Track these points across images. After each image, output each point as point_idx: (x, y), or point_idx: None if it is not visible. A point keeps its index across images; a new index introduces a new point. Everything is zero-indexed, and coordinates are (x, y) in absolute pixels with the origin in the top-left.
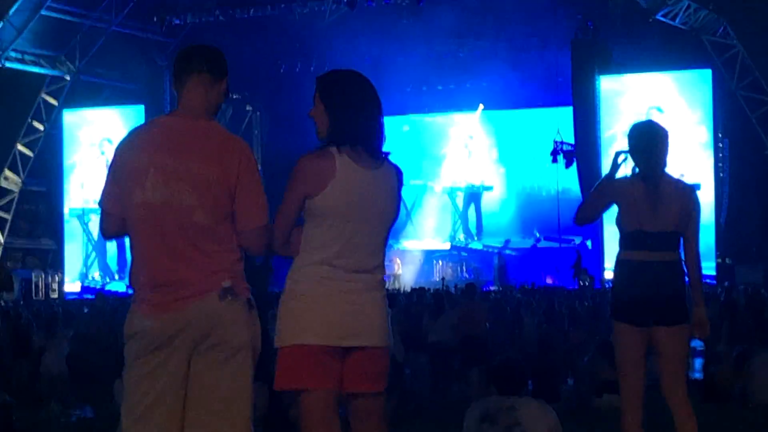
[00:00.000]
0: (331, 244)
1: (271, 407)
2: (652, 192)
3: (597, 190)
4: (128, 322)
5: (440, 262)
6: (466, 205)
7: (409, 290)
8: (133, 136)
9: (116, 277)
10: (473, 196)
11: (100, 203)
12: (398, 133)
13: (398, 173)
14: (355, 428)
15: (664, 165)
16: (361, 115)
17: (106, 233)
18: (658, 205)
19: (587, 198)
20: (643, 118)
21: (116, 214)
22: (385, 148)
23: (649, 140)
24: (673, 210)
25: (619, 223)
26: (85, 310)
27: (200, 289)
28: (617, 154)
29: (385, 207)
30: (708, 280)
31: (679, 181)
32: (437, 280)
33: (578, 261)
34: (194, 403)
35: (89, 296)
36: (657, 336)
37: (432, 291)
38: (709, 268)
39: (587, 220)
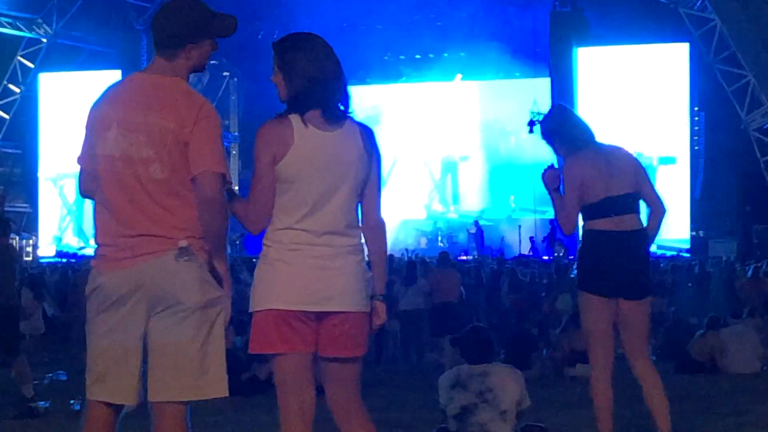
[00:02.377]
0: (298, 208)
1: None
2: (601, 157)
3: (564, 184)
4: (89, 280)
5: (415, 232)
6: (444, 175)
7: None
8: (105, 92)
9: (91, 242)
10: (449, 165)
11: (78, 160)
12: (375, 102)
13: (363, 132)
14: (329, 393)
15: (592, 133)
16: (316, 79)
17: (82, 190)
18: (612, 169)
19: (564, 203)
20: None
21: (90, 170)
22: (361, 117)
23: (570, 116)
24: (626, 171)
25: (583, 198)
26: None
27: (157, 247)
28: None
29: (349, 167)
30: (682, 253)
31: (613, 146)
32: (411, 249)
33: (552, 232)
34: (153, 363)
35: (63, 260)
36: (622, 308)
37: (405, 259)
38: (683, 241)
39: (573, 221)
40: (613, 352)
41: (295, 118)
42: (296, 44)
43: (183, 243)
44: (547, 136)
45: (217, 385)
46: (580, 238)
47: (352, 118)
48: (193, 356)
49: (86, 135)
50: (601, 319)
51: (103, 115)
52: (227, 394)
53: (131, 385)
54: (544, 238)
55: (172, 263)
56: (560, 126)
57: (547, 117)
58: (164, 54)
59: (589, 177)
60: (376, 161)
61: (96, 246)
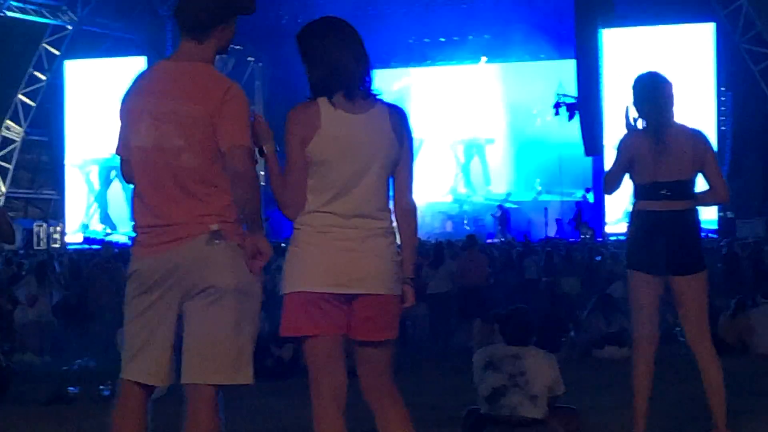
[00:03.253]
0: (326, 191)
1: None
2: (659, 142)
3: (618, 151)
4: (130, 264)
5: (441, 215)
6: (469, 158)
7: None
8: (134, 82)
9: (118, 228)
10: (476, 148)
11: (116, 150)
12: (401, 86)
13: (394, 113)
14: (361, 375)
15: (671, 114)
16: (336, 63)
17: (126, 178)
18: (665, 155)
19: (613, 163)
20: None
21: (128, 160)
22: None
23: (652, 90)
24: (685, 158)
25: (633, 175)
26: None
27: (189, 232)
28: (627, 109)
29: (378, 149)
30: (710, 234)
31: (686, 128)
32: (438, 232)
33: (579, 214)
34: (186, 346)
35: (93, 246)
36: (675, 286)
37: (432, 242)
38: (711, 222)
39: (614, 184)
40: (658, 334)
41: (323, 101)
42: (314, 32)
43: (214, 227)
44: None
45: (245, 371)
46: (628, 219)
47: (382, 100)
48: (224, 340)
49: (120, 126)
50: (647, 297)
51: (133, 106)
52: (252, 382)
53: (162, 366)
54: (570, 220)
55: (204, 247)
56: (636, 94)
57: (633, 83)
58: (195, 37)
59: (639, 157)
60: (408, 143)
61: (133, 232)
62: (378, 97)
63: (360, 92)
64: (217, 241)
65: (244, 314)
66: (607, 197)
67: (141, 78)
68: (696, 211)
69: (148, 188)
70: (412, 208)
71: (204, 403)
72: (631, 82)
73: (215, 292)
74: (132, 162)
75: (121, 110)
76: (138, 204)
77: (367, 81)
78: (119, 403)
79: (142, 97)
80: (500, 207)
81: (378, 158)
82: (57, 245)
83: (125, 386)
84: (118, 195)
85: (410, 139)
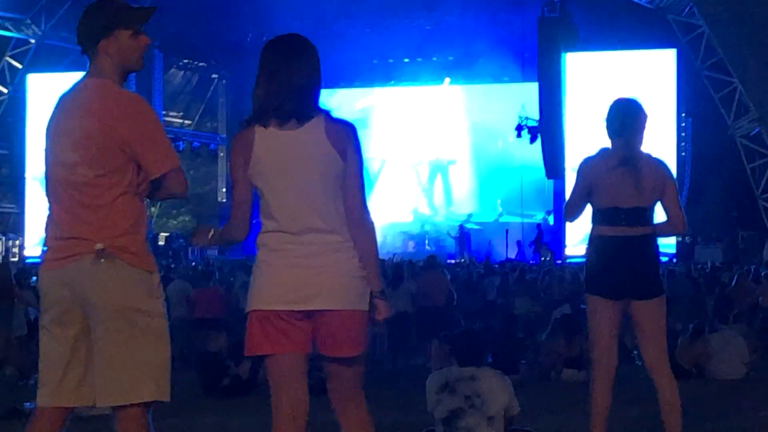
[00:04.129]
0: (274, 210)
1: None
2: (626, 168)
3: (577, 176)
4: None
5: (402, 235)
6: (432, 179)
7: None
8: (55, 105)
9: None
10: (438, 169)
11: None
12: (364, 105)
13: (333, 127)
14: (330, 391)
15: (638, 143)
16: (269, 86)
17: None
18: (627, 181)
19: (572, 190)
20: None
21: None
22: (349, 120)
23: (623, 117)
24: (646, 186)
25: (592, 200)
26: None
27: (80, 249)
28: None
29: (314, 163)
30: (667, 258)
31: (650, 157)
32: (399, 252)
33: (539, 236)
34: (93, 364)
35: None
36: (634, 311)
37: (392, 262)
38: (669, 246)
39: (575, 211)
40: (616, 357)
41: (256, 123)
42: (264, 51)
43: (99, 246)
44: None
45: (148, 388)
46: (588, 243)
47: (327, 115)
48: (116, 358)
49: None
50: (606, 321)
51: (49, 124)
52: (165, 399)
53: (68, 386)
54: (531, 242)
55: (90, 266)
56: (609, 117)
57: (609, 108)
58: (85, 53)
59: (600, 181)
60: (355, 156)
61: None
62: (324, 111)
63: (292, 110)
64: (102, 260)
65: (135, 332)
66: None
67: (59, 100)
68: (655, 237)
69: (53, 204)
70: (366, 222)
71: (129, 422)
72: (593, 106)
73: (102, 312)
74: (45, 179)
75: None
76: (48, 219)
77: (306, 99)
78: (30, 425)
79: (54, 114)
80: (460, 228)
81: (316, 172)
82: (15, 259)
83: (38, 415)
84: None
85: (357, 153)
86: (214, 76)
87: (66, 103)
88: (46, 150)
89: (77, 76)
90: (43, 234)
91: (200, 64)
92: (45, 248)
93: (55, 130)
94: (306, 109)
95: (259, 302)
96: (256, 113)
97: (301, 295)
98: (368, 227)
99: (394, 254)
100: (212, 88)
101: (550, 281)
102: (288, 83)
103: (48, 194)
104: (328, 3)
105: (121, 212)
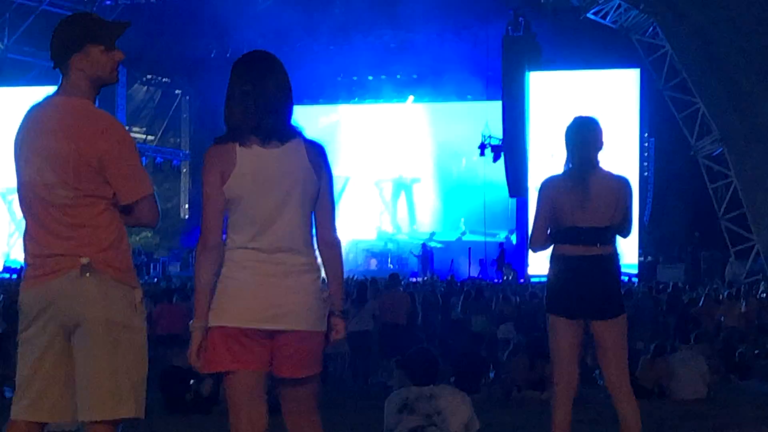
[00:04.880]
0: (247, 227)
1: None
2: (580, 188)
3: (539, 199)
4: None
5: (365, 253)
6: (395, 197)
7: None
8: (24, 117)
9: None
10: (401, 187)
11: None
12: (328, 122)
13: (311, 147)
14: (285, 412)
15: (596, 160)
16: (246, 104)
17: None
18: (588, 201)
19: (536, 216)
20: (571, 115)
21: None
22: (313, 137)
23: (580, 135)
24: (606, 204)
25: (554, 219)
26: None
27: (63, 265)
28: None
29: (295, 184)
30: (629, 278)
31: (611, 174)
32: (362, 270)
33: (501, 255)
34: (76, 384)
35: (14, 276)
36: (595, 330)
37: (356, 279)
38: (631, 266)
39: (542, 236)
40: (577, 376)
41: (235, 139)
42: (236, 67)
43: (84, 260)
44: None
45: (128, 405)
46: (549, 262)
47: (301, 134)
48: (99, 374)
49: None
50: (566, 341)
51: (19, 142)
52: (141, 416)
53: (50, 403)
54: (493, 260)
55: (75, 281)
56: (565, 136)
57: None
58: (60, 71)
59: (560, 201)
60: (327, 177)
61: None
62: (298, 130)
63: (274, 129)
64: (87, 274)
65: (118, 347)
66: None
67: (27, 114)
68: (616, 257)
69: (30, 222)
70: (336, 242)
71: None
72: (556, 125)
73: (88, 327)
74: (19, 196)
75: (13, 146)
76: (25, 237)
77: (285, 117)
78: None
79: (24, 132)
80: (423, 246)
81: (296, 192)
82: None
83: (12, 426)
84: None
85: (329, 173)
86: (177, 91)
87: (39, 119)
88: (18, 167)
89: (41, 90)
90: (2, 246)
91: (164, 79)
92: (24, 265)
93: (29, 147)
94: (285, 127)
95: (224, 318)
96: (234, 131)
97: (269, 314)
98: (338, 247)
99: (356, 271)
100: (175, 103)
101: (503, 299)
102: (264, 101)
103: (24, 211)
104: (292, 19)
105: (103, 227)
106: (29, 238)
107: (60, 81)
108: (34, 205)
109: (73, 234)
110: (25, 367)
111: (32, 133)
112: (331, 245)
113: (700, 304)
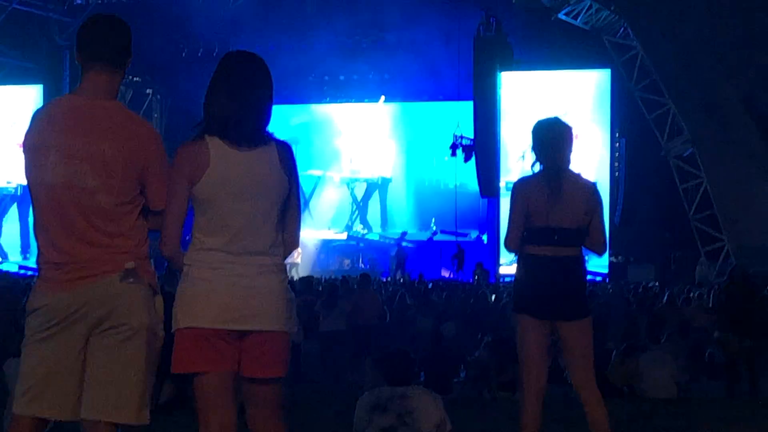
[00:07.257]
0: (217, 229)
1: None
2: (554, 188)
3: (512, 200)
4: (30, 299)
5: (337, 252)
6: (366, 196)
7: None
8: (38, 116)
9: (9, 257)
10: (372, 187)
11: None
12: (299, 121)
13: (281, 150)
14: (250, 413)
15: (568, 161)
16: (230, 100)
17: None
18: (559, 202)
19: (511, 216)
20: (542, 115)
21: (32, 195)
22: (284, 137)
23: (551, 137)
24: (576, 206)
25: (526, 219)
26: None
27: (103, 269)
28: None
29: (268, 187)
30: (600, 278)
31: (580, 177)
32: (334, 269)
33: (459, 253)
34: (90, 382)
35: None
36: (562, 331)
37: (324, 280)
38: (601, 266)
39: (518, 236)
40: (545, 377)
41: (211, 140)
42: (221, 64)
43: (129, 265)
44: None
45: (146, 411)
46: (518, 262)
47: (271, 136)
48: (132, 379)
49: (25, 160)
50: (534, 340)
51: (39, 142)
52: (148, 422)
53: (69, 400)
54: (452, 255)
55: (118, 285)
56: (533, 138)
57: (534, 127)
58: (109, 68)
59: (532, 201)
60: (296, 179)
61: (40, 267)
62: (269, 132)
63: (250, 132)
64: (131, 280)
65: (151, 355)
66: (501, 237)
67: (45, 112)
68: (583, 259)
69: (54, 225)
70: (295, 245)
71: None
72: (528, 126)
73: (127, 331)
74: (36, 198)
75: (26, 144)
76: (44, 240)
77: (262, 119)
78: None
79: (50, 133)
80: (398, 246)
81: (269, 196)
82: None
83: (18, 422)
84: (12, 224)
85: (297, 176)
86: (148, 91)
87: (72, 122)
88: (38, 167)
89: (11, 89)
90: (16, 248)
91: (135, 79)
92: (42, 269)
93: (59, 149)
94: (264, 130)
95: (194, 319)
96: (212, 125)
97: (239, 315)
98: (294, 248)
99: (327, 271)
100: (147, 103)
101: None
102: (249, 102)
103: (42, 216)
104: (264, 19)
105: (141, 234)
106: (51, 242)
107: (82, 82)
108: (64, 207)
109: (114, 240)
110: (41, 365)
111: (65, 133)
112: (293, 247)
113: (671, 304)
